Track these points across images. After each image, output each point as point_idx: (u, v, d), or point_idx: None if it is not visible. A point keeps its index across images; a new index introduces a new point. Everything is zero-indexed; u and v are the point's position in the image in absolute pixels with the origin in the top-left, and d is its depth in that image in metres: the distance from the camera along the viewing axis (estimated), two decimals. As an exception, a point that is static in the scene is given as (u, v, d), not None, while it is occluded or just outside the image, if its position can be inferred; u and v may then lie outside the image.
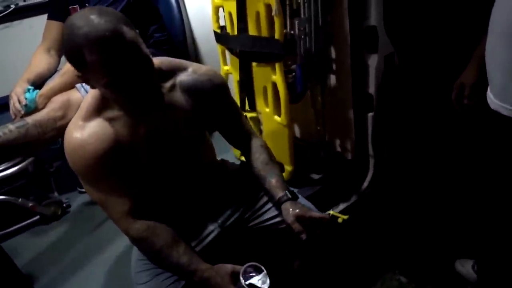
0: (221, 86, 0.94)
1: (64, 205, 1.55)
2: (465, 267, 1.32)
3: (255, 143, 1.01)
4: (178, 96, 0.88)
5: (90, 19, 0.69)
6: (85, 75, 0.75)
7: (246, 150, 1.02)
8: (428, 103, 1.46)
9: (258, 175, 0.97)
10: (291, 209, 0.88)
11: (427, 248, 1.44)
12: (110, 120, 0.82)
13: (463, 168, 1.49)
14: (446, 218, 1.51)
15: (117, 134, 0.82)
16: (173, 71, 0.89)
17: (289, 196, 0.91)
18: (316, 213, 0.88)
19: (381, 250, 1.46)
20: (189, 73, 0.90)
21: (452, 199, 1.54)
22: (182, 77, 0.89)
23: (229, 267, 0.84)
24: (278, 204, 0.92)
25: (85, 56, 0.69)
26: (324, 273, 1.11)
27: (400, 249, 1.46)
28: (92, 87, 0.79)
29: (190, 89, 0.89)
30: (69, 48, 0.72)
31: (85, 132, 0.80)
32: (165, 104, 0.85)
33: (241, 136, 1.02)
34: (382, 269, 1.41)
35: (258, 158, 0.98)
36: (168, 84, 0.88)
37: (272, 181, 0.94)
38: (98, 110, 0.82)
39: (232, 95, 1.00)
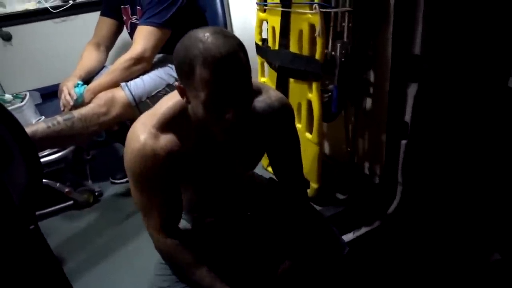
0: (290, 115, 0.94)
1: (96, 193, 1.63)
2: None
3: (295, 189, 1.02)
4: (250, 120, 0.85)
5: (213, 36, 0.69)
6: (186, 86, 0.74)
7: (285, 185, 1.02)
8: (466, 136, 1.42)
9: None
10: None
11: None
12: (183, 137, 0.82)
13: (496, 205, 1.43)
14: (473, 257, 1.45)
15: (185, 150, 0.82)
16: None
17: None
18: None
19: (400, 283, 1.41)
20: (263, 98, 0.89)
21: (482, 235, 1.48)
22: (256, 102, 0.86)
23: None
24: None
25: (195, 68, 0.69)
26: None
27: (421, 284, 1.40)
28: (187, 101, 0.77)
29: (262, 114, 0.88)
30: (182, 56, 0.71)
31: (158, 144, 0.79)
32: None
33: (289, 171, 1.01)
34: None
35: (291, 203, 1.01)
36: None
37: None
38: (174, 123, 0.81)
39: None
